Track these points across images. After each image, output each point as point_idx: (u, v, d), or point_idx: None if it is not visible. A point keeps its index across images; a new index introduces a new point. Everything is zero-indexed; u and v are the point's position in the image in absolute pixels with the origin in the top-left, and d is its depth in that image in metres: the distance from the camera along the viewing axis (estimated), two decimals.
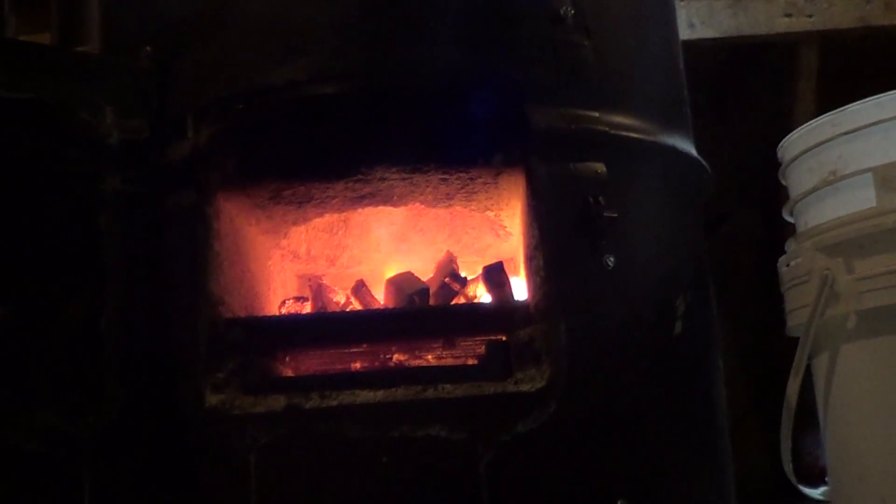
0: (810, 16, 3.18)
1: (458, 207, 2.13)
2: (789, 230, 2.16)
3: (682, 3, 3.14)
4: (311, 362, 2.11)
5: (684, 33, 2.81)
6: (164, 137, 1.99)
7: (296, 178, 1.97)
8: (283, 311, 2.19)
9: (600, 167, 1.93)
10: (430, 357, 2.10)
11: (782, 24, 3.20)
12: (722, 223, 3.15)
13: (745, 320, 3.41)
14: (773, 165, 2.15)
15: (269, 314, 2.15)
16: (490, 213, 2.16)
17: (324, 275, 2.39)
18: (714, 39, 3.21)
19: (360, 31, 1.95)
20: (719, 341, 2.19)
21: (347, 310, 2.24)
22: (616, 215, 1.90)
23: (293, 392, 1.85)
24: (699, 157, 2.22)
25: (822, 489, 2.16)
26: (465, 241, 2.33)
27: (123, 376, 1.88)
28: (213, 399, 1.87)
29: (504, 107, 1.93)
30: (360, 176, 1.95)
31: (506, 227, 2.22)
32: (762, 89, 3.57)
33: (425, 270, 2.34)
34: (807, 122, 2.02)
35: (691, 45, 3.06)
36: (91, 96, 1.94)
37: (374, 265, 2.40)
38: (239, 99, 1.95)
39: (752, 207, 3.53)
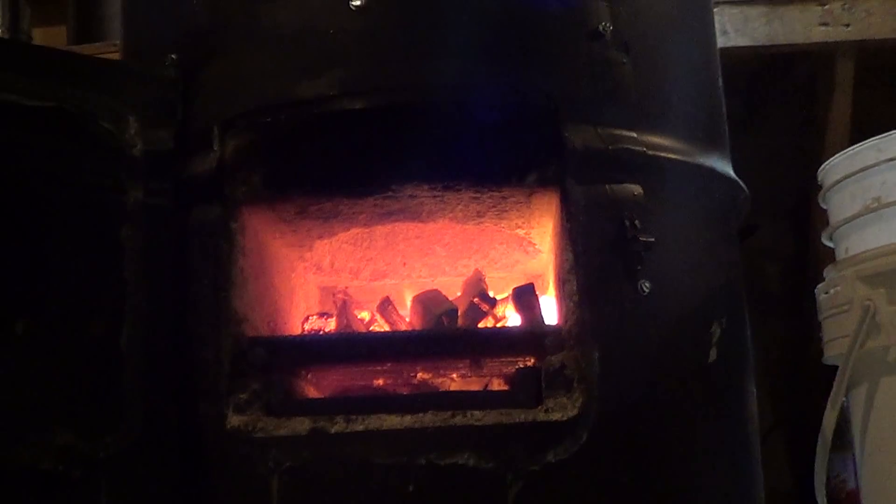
0: (847, 25, 3.15)
1: (488, 224, 2.11)
2: (820, 245, 2.14)
3: (715, 10, 3.11)
4: (334, 378, 2.11)
5: (717, 40, 2.78)
6: (188, 149, 1.97)
7: (323, 193, 1.96)
8: (307, 327, 2.18)
9: (637, 189, 1.91)
10: (454, 376, 2.10)
11: (818, 34, 3.17)
12: (751, 234, 3.13)
13: (770, 335, 3.39)
14: (806, 178, 2.14)
15: (292, 330, 2.15)
16: (520, 231, 2.15)
17: (347, 287, 2.38)
18: (748, 48, 3.18)
19: (393, 44, 1.93)
20: (754, 368, 2.17)
21: (373, 329, 2.24)
22: (653, 239, 1.88)
23: (318, 415, 1.84)
24: (737, 178, 2.20)
25: None
26: (493, 256, 2.32)
27: (143, 395, 1.85)
28: (235, 420, 1.86)
29: (540, 125, 1.91)
30: (389, 193, 1.93)
31: (535, 244, 2.20)
32: (796, 99, 3.54)
33: (451, 284, 2.33)
34: (842, 133, 2.00)
35: (724, 53, 3.02)
36: (114, 105, 1.91)
37: (399, 278, 2.39)
38: (266, 111, 1.94)
39: (782, 220, 3.51)
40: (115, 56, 2.60)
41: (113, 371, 1.84)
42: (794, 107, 3.56)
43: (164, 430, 1.87)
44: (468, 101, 1.92)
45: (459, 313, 2.16)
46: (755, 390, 2.18)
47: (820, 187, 2.14)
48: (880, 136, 1.92)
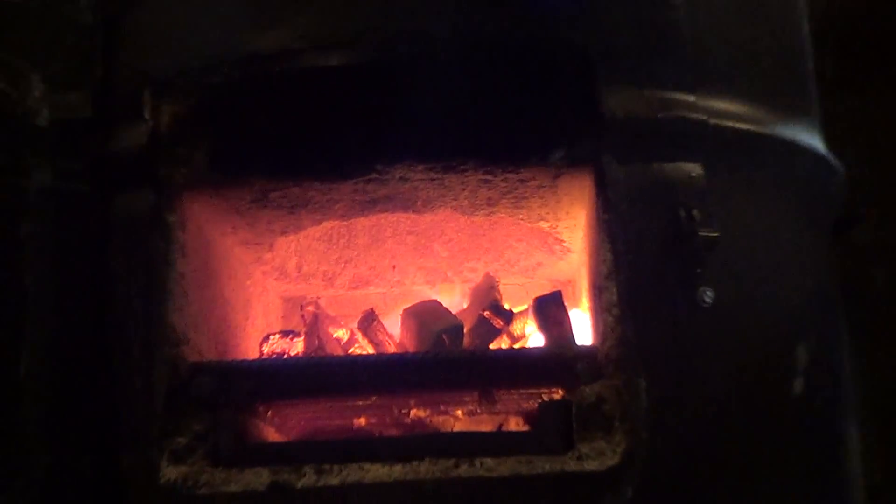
0: None
1: (502, 215, 2.13)
2: None
3: None
4: (303, 416, 2.11)
5: None
6: (111, 119, 1.96)
7: (289, 176, 1.95)
8: (266, 349, 2.18)
9: (696, 169, 1.90)
10: (459, 413, 2.09)
11: None
12: (851, 227, 3.13)
13: (880, 358, 3.38)
14: None
15: (246, 354, 2.16)
16: (544, 224, 2.16)
17: (319, 297, 2.38)
18: None
19: None
20: (856, 404, 2.15)
21: (353, 351, 2.24)
22: (716, 235, 1.85)
23: (280, 465, 1.84)
24: (830, 155, 2.19)
25: None
26: (509, 256, 2.33)
27: (48, 439, 1.84)
28: (171, 472, 1.85)
29: (569, 87, 1.91)
30: (374, 175, 1.94)
31: (564, 241, 2.22)
32: None
33: (455, 293, 2.35)
34: None
35: None
36: (11, 60, 1.90)
37: (387, 286, 2.41)
38: (214, 70, 1.93)
39: (893, 208, 3.50)
40: None
41: (8, 409, 1.83)
42: None
43: (76, 485, 1.86)
44: (475, 57, 1.92)
45: (465, 331, 2.17)
46: (858, 434, 2.18)
47: None
48: None
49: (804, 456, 2.00)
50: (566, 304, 2.12)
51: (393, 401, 2.05)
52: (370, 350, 2.22)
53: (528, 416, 2.03)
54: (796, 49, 2.25)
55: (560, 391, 1.94)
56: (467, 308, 2.25)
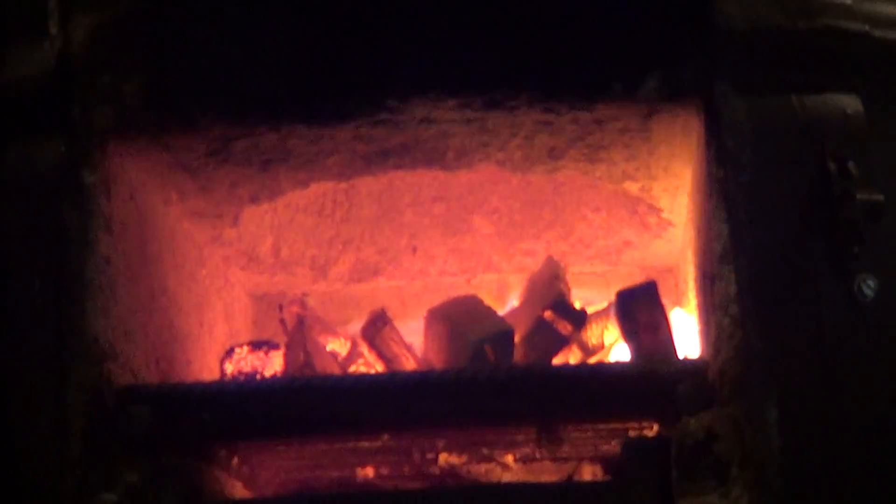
0: None
1: (570, 173, 2.07)
2: None
3: None
4: (283, 465, 2.06)
5: None
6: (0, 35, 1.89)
7: (261, 116, 1.89)
8: (231, 368, 2.13)
9: (852, 104, 1.82)
10: (509, 459, 2.05)
11: None
12: None
13: None
14: None
15: (201, 375, 2.12)
16: (632, 185, 2.10)
17: (306, 294, 2.35)
18: None
19: None
20: None
21: (354, 370, 2.19)
22: (881, 198, 1.76)
23: None
24: None
25: None
26: (581, 232, 2.29)
27: None
28: None
29: None
30: (384, 114, 1.87)
31: (661, 210, 2.16)
32: None
33: (501, 286, 2.32)
34: None
35: None
36: None
37: (404, 277, 2.37)
38: None
39: None
40: None
41: None
42: None
43: None
44: None
45: (518, 339, 2.12)
46: None
47: None
48: None
49: None
50: (663, 300, 2.06)
51: (414, 441, 2.01)
52: (379, 368, 2.17)
53: (607, 462, 1.97)
54: None
55: (654, 425, 1.89)
56: (520, 306, 2.19)
